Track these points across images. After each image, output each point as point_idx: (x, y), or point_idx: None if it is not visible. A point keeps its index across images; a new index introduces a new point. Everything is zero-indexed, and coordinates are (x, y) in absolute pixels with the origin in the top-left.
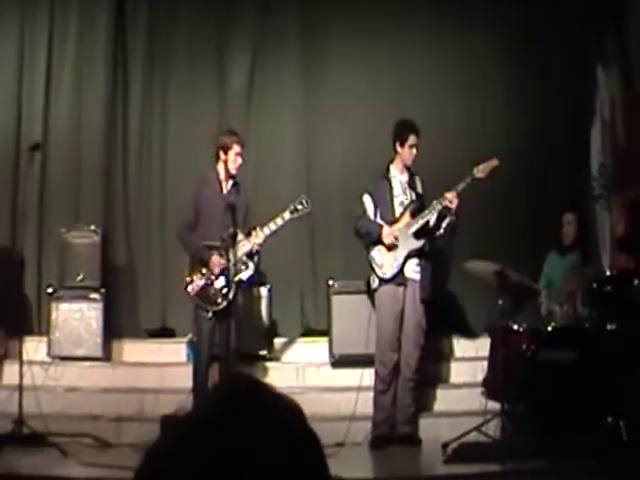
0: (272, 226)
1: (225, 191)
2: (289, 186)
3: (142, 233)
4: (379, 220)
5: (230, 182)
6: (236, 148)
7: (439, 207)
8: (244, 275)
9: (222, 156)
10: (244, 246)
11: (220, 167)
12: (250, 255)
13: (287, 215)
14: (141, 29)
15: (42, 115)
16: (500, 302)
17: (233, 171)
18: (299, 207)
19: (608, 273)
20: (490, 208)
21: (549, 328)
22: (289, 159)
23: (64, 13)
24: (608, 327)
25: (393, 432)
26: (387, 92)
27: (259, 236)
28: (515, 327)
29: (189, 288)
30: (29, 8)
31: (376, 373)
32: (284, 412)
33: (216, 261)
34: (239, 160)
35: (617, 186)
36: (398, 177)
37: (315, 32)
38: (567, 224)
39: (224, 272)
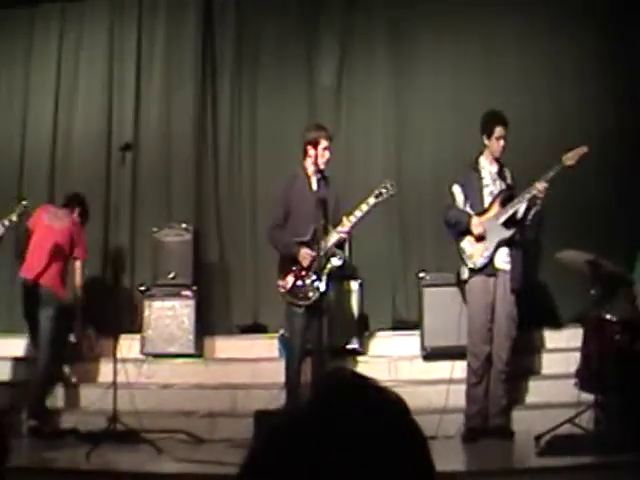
0: (358, 213)
1: (315, 186)
2: (380, 181)
3: (233, 230)
4: (469, 210)
5: (319, 176)
6: (324, 142)
7: (528, 196)
8: (334, 264)
9: (311, 151)
10: (333, 237)
11: (308, 163)
12: (339, 245)
13: (372, 200)
14: (229, 32)
15: (133, 116)
16: (592, 292)
17: (322, 166)
18: (383, 191)
19: None
20: (580, 197)
21: None
22: (380, 155)
23: (152, 16)
24: None
25: (486, 424)
26: (476, 89)
27: (345, 224)
28: (608, 317)
29: (281, 288)
30: (117, 12)
31: (468, 365)
32: (389, 406)
33: (305, 254)
34: (327, 154)
35: None
36: (488, 168)
37: (402, 30)
38: None
39: (314, 264)
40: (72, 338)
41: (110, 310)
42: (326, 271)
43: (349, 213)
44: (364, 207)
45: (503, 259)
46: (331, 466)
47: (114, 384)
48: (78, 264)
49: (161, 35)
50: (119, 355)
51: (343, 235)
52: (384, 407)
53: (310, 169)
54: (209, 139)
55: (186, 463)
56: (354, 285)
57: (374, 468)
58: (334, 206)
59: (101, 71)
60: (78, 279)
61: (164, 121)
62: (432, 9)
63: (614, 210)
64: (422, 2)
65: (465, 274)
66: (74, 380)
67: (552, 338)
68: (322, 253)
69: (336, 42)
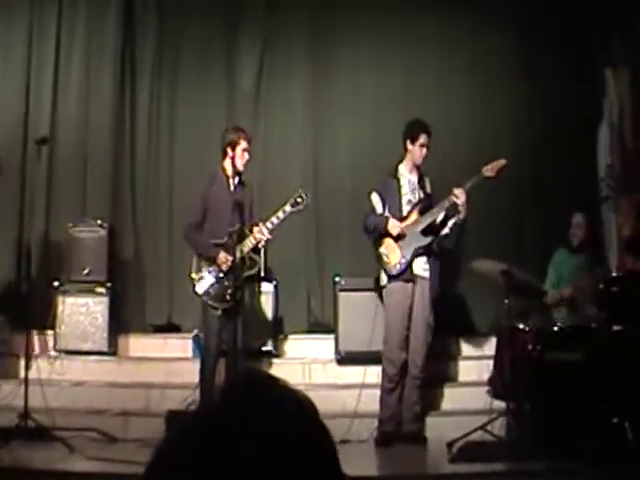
0: (274, 220)
1: (232, 188)
2: (297, 185)
3: (149, 229)
4: (387, 214)
5: (237, 179)
6: (243, 144)
7: (447, 205)
8: (251, 271)
9: (230, 152)
10: (250, 241)
11: (227, 164)
12: (255, 250)
13: (288, 208)
14: (150, 30)
15: (50, 109)
16: (506, 301)
17: (241, 167)
18: (299, 200)
19: (614, 274)
20: (497, 208)
21: (555, 328)
22: (297, 158)
23: (73, 11)
24: (614, 328)
25: (399, 430)
26: (395, 93)
27: (262, 231)
28: (521, 327)
29: (197, 287)
30: (37, 4)
31: (383, 371)
32: (297, 408)
33: (224, 258)
34: (246, 156)
35: (624, 188)
36: (407, 176)
37: (324, 32)
38: (575, 225)
39: (232, 269)
40: None
41: (23, 305)
42: (243, 275)
43: (265, 219)
44: (280, 214)
45: (421, 266)
46: (247, 463)
47: (25, 380)
48: None
49: (81, 30)
50: (31, 351)
51: (260, 242)
52: (297, 409)
53: (229, 170)
54: (127, 136)
55: (98, 462)
56: (269, 287)
57: (287, 469)
58: (250, 209)
59: (19, 64)
60: None
61: (82, 117)
62: (353, 13)
63: (531, 219)
64: (343, 6)
65: (384, 280)
66: None
67: (466, 346)
68: (239, 256)
69: (257, 44)
